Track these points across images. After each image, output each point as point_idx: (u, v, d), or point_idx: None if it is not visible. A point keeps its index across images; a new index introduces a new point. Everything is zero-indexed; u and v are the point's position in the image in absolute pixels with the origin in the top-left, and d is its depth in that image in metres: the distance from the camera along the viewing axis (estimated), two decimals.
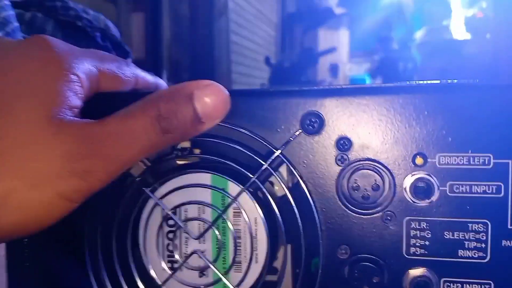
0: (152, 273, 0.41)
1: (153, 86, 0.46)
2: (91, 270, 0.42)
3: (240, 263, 0.40)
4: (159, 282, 0.41)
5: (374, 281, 0.37)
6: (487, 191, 0.35)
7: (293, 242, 0.40)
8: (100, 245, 0.42)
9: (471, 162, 0.35)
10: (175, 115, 0.34)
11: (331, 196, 0.38)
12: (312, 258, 0.40)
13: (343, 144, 0.37)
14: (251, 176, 0.39)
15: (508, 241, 0.35)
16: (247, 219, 0.40)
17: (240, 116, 0.39)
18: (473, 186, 0.35)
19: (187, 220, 0.41)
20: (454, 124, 0.36)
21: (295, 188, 0.40)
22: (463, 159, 0.35)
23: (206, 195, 0.40)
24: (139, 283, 0.41)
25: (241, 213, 0.40)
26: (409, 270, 0.37)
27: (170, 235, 0.41)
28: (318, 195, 0.38)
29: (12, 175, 0.31)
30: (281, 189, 0.42)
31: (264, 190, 0.39)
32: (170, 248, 0.41)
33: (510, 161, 0.35)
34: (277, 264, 0.43)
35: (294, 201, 0.39)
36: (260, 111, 0.39)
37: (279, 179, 0.39)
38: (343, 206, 0.38)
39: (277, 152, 0.38)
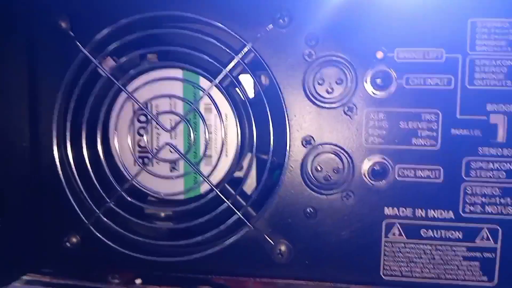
0: (123, 168, 0.42)
1: None
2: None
3: (211, 156, 0.42)
4: (130, 176, 0.42)
5: (334, 170, 0.40)
6: (439, 83, 0.38)
7: (260, 147, 0.43)
8: (70, 144, 0.43)
9: (425, 56, 0.39)
10: None
11: (298, 92, 0.40)
12: (275, 168, 0.43)
13: (311, 39, 0.39)
14: (222, 68, 0.40)
15: (456, 130, 0.39)
16: (218, 113, 0.41)
17: (214, 10, 0.40)
18: (426, 79, 0.38)
19: (159, 114, 0.42)
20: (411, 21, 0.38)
21: (266, 90, 0.42)
22: (418, 54, 0.39)
23: (177, 90, 0.42)
24: (112, 179, 0.42)
25: (212, 107, 0.41)
26: (368, 158, 0.40)
27: (141, 131, 0.42)
28: (287, 90, 0.40)
29: None
30: (250, 92, 0.44)
31: (235, 81, 0.41)
32: (142, 144, 0.43)
33: (460, 56, 0.38)
34: (244, 163, 0.45)
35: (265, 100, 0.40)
36: (234, 6, 0.40)
37: (250, 73, 0.40)
38: (309, 101, 0.40)
39: (248, 45, 0.39)
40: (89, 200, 0.43)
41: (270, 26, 0.39)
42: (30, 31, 0.43)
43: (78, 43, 0.41)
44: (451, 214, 0.40)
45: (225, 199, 0.41)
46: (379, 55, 0.39)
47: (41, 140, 0.44)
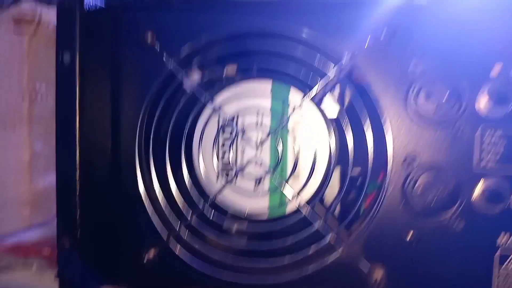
0: (206, 184, 0.40)
1: None
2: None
3: (299, 175, 0.39)
4: (214, 192, 0.40)
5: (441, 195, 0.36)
6: None
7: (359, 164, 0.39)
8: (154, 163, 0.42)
9: None
10: None
11: (401, 108, 0.36)
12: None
13: (419, 51, 0.35)
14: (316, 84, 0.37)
15: None
16: (309, 127, 0.38)
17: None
18: None
19: (245, 129, 0.39)
20: None
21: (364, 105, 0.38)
22: None
23: (265, 102, 0.39)
24: (193, 196, 0.40)
25: (302, 123, 0.39)
26: (480, 183, 0.35)
27: (226, 147, 0.41)
28: (388, 108, 0.36)
29: None
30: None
31: (331, 97, 0.38)
32: (226, 160, 0.41)
33: None
34: (335, 181, 0.41)
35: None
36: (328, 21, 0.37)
37: (349, 87, 0.37)
38: (413, 120, 0.36)
39: (346, 57, 0.36)
40: (170, 215, 0.41)
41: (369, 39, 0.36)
42: (114, 44, 0.42)
43: (164, 58, 0.40)
44: None
45: (312, 222, 0.38)
46: (496, 70, 0.34)
47: (123, 157, 0.42)
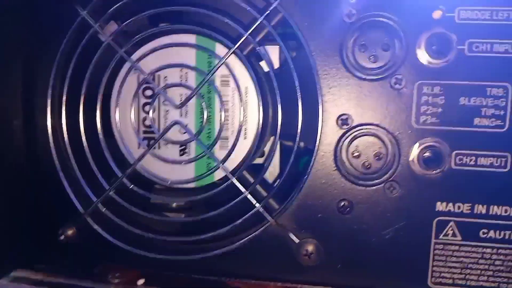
0: (126, 149, 0.36)
1: None
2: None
3: (227, 138, 0.36)
4: (132, 159, 0.36)
5: (376, 156, 0.34)
6: (509, 50, 0.31)
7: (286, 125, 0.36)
8: (66, 122, 0.37)
9: (494, 17, 0.31)
10: None
11: (335, 60, 0.33)
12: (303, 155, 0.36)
13: None
14: (243, 32, 0.34)
15: None
16: (236, 86, 0.35)
17: None
18: (494, 45, 0.31)
19: (167, 87, 0.35)
20: None
21: (294, 60, 0.35)
22: (484, 14, 0.31)
23: (190, 59, 0.35)
24: (111, 163, 0.36)
25: (230, 80, 0.35)
26: (418, 142, 0.33)
27: (147, 108, 0.36)
28: (321, 59, 0.33)
29: None
30: (276, 63, 0.38)
31: (259, 49, 0.34)
32: (147, 123, 0.37)
33: None
34: (266, 147, 0.38)
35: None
36: None
37: (276, 37, 0.33)
38: (347, 72, 0.33)
39: (275, 3, 0.33)
40: (86, 188, 0.37)
41: None
42: None
43: (76, 5, 0.36)
44: None
45: (242, 189, 0.35)
46: (436, 15, 0.31)
47: (35, 117, 0.38)
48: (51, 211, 0.39)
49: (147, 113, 0.36)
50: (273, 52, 0.37)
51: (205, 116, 0.35)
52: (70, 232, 0.39)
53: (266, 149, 0.38)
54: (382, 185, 0.34)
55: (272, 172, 0.39)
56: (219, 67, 0.34)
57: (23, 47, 0.38)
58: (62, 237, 0.39)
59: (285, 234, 0.35)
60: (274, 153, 0.36)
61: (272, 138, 0.37)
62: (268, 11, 0.32)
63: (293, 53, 0.37)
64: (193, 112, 0.35)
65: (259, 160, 0.39)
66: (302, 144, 0.35)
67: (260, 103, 0.34)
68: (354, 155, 0.34)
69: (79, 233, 0.39)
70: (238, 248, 0.36)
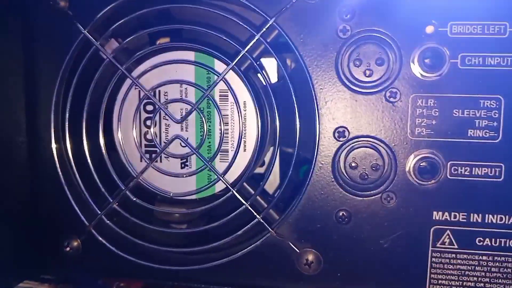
0: (128, 163, 0.37)
1: None
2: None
3: (227, 151, 0.37)
4: (136, 173, 0.37)
5: (373, 167, 0.34)
6: (501, 63, 0.32)
7: (285, 138, 0.37)
8: (70, 137, 0.38)
9: (485, 31, 0.32)
10: None
11: (330, 75, 0.34)
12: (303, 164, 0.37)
13: (346, 11, 0.33)
14: (240, 49, 0.34)
15: None
16: (235, 101, 0.35)
17: None
18: (486, 58, 0.32)
19: (168, 102, 0.36)
20: None
21: (291, 74, 0.36)
22: (476, 28, 0.32)
23: (189, 75, 0.36)
24: (115, 176, 0.37)
25: (229, 95, 0.36)
26: (414, 153, 0.34)
27: (148, 123, 0.37)
28: (317, 73, 0.34)
29: None
30: (274, 75, 0.39)
31: (256, 65, 0.35)
32: (149, 137, 0.37)
33: None
34: (266, 158, 0.39)
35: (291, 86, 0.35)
36: None
37: (273, 53, 0.34)
38: (343, 86, 0.34)
39: (271, 21, 0.34)
40: (90, 200, 0.38)
41: None
42: (25, 12, 0.38)
43: (77, 24, 0.36)
44: None
45: (242, 200, 0.36)
46: (429, 29, 0.32)
47: (39, 133, 0.39)
48: (57, 223, 0.40)
49: (149, 127, 0.37)
50: (273, 64, 0.38)
51: (205, 130, 0.36)
52: (75, 243, 0.40)
53: (267, 158, 0.39)
54: (380, 195, 0.34)
55: (273, 182, 0.40)
56: (217, 83, 0.35)
57: (25, 64, 0.39)
58: (67, 249, 0.40)
59: (285, 244, 0.36)
60: (273, 164, 0.36)
61: (271, 148, 0.38)
62: (264, 29, 0.33)
63: (293, 64, 0.38)
64: (194, 126, 0.36)
65: (260, 170, 0.40)
66: (301, 154, 0.36)
67: (258, 117, 0.35)
68: (351, 166, 0.35)
69: (84, 244, 0.40)
70: (239, 258, 0.36)
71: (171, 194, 0.37)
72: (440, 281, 0.35)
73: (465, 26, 0.32)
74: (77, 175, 0.38)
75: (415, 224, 0.34)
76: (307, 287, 0.36)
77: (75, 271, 0.40)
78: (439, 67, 0.32)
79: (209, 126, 0.36)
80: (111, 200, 0.37)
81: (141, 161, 0.37)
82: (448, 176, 0.33)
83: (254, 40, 0.34)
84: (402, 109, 0.33)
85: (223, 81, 0.35)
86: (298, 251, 0.36)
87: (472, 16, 0.32)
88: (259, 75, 0.38)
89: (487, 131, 0.32)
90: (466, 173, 0.33)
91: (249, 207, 0.36)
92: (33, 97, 0.39)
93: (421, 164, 0.33)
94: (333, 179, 0.35)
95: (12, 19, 0.38)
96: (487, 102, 0.32)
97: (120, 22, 0.35)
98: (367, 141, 0.34)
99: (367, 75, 0.33)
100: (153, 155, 0.37)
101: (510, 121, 0.32)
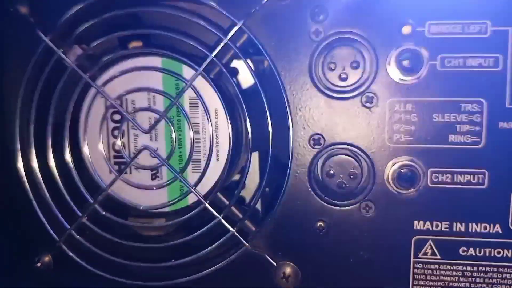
0: (97, 176, 0.35)
1: None
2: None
3: (199, 161, 0.35)
4: (104, 185, 0.36)
5: (350, 175, 0.33)
6: (483, 64, 0.30)
7: (260, 144, 0.35)
8: (36, 149, 0.36)
9: (466, 31, 0.30)
10: None
11: (303, 80, 0.32)
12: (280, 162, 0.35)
13: (318, 12, 0.31)
14: (208, 54, 0.33)
15: (505, 123, 0.30)
16: (205, 109, 0.34)
17: None
18: (467, 59, 0.30)
19: (135, 111, 0.35)
20: None
21: (261, 77, 0.34)
22: (456, 27, 0.30)
23: (156, 82, 0.34)
24: (83, 190, 0.35)
25: (199, 102, 0.34)
26: (392, 160, 0.32)
27: (116, 133, 0.36)
28: (289, 78, 0.32)
29: None
30: (245, 80, 0.37)
31: (225, 71, 0.33)
32: (117, 147, 0.36)
33: (510, 29, 0.30)
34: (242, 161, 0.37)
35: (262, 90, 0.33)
36: None
37: (242, 58, 0.32)
38: (317, 91, 0.32)
39: (239, 24, 0.32)
40: (59, 215, 0.36)
41: None
42: None
43: (38, 31, 0.35)
44: (497, 228, 0.32)
45: (215, 213, 0.34)
46: (406, 30, 0.30)
47: (5, 147, 0.37)
48: (27, 239, 0.39)
49: (116, 138, 0.35)
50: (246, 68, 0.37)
51: (175, 140, 0.34)
52: (46, 259, 0.38)
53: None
54: (358, 204, 0.33)
55: (253, 190, 0.39)
56: (185, 90, 0.33)
57: None
58: (39, 264, 0.38)
59: (262, 257, 0.34)
60: (246, 172, 0.35)
61: (245, 156, 0.37)
62: (232, 33, 0.32)
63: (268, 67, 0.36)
64: (163, 136, 0.34)
65: (237, 177, 0.38)
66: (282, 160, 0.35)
67: (229, 125, 0.34)
68: (328, 174, 0.33)
69: (55, 260, 0.38)
70: (214, 273, 0.35)
71: (141, 207, 0.35)
72: None
73: (444, 26, 0.30)
74: (45, 189, 0.36)
75: (396, 235, 0.33)
76: None
77: (48, 286, 0.39)
78: (417, 70, 0.31)
79: (180, 135, 0.34)
80: (80, 215, 0.36)
81: (110, 173, 0.36)
82: (429, 184, 0.32)
83: (222, 45, 0.32)
84: (379, 114, 0.32)
85: (192, 88, 0.33)
86: (275, 264, 0.34)
87: (451, 15, 0.30)
88: (234, 78, 0.36)
89: (469, 136, 0.31)
90: (447, 180, 0.32)
91: (223, 220, 0.34)
92: None
93: (400, 172, 0.32)
94: (309, 189, 0.33)
95: None
96: (469, 106, 0.31)
97: (83, 27, 0.34)
98: (344, 148, 0.32)
99: (342, 79, 0.32)
100: (122, 167, 0.35)
101: (493, 125, 0.30)
